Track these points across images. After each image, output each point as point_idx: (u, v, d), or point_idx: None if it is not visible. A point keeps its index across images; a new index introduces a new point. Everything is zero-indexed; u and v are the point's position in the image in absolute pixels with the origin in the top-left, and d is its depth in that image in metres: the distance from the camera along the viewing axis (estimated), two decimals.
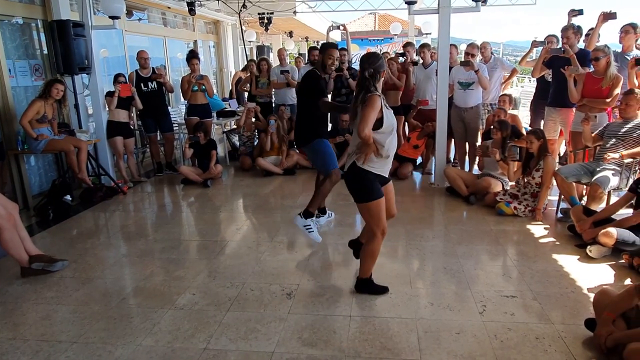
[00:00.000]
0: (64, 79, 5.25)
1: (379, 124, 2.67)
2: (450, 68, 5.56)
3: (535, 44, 5.63)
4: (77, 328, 2.74)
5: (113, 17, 5.45)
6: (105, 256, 3.85)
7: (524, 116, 8.11)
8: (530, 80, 12.22)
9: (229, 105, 8.35)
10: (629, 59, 4.60)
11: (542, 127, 5.21)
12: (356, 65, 7.77)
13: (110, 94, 5.74)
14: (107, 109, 5.78)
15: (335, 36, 14.54)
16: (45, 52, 5.55)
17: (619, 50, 4.85)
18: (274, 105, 7.33)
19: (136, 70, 6.21)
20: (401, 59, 6.76)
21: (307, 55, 7.30)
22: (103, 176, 5.61)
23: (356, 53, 15.16)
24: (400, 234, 4.10)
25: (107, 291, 3.21)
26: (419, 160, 6.36)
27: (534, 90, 6.08)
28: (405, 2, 5.19)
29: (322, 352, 2.45)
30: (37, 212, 4.87)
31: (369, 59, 2.71)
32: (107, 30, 6.05)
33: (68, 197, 5.04)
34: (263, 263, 3.59)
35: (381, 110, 2.66)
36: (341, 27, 8.84)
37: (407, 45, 7.06)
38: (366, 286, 3.03)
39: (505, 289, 3.07)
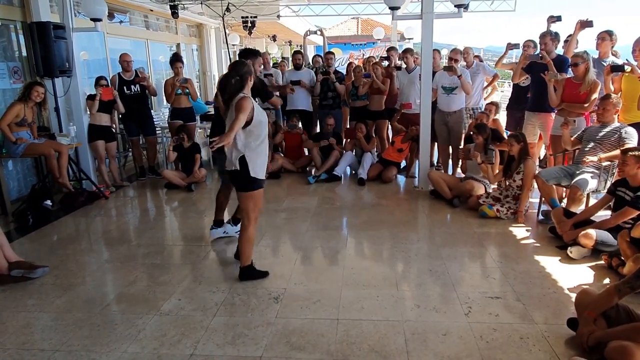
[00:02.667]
0: (43, 81, 5.14)
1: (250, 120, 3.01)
2: (434, 73, 5.64)
3: (510, 46, 5.76)
4: (60, 336, 2.68)
5: (95, 20, 5.38)
6: (88, 262, 3.78)
7: (502, 121, 8.26)
8: (509, 85, 12.46)
9: (213, 108, 8.29)
10: (605, 65, 4.74)
11: (519, 131, 5.34)
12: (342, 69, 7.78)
13: (91, 97, 5.65)
14: (89, 112, 5.69)
15: (315, 40, 14.61)
16: (25, 54, 5.44)
17: (596, 56, 4.99)
18: None
19: (119, 73, 6.12)
20: (385, 63, 6.84)
21: (290, 59, 7.32)
22: (84, 181, 5.51)
23: (339, 57, 15.22)
24: (385, 236, 4.13)
25: (90, 298, 3.15)
26: (403, 163, 6.42)
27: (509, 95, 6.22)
28: (389, 8, 5.24)
29: (310, 355, 2.45)
30: (15, 217, 4.74)
31: (236, 67, 3.06)
32: (88, 32, 5.96)
33: (48, 202, 4.94)
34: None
35: (252, 109, 3.00)
36: (318, 32, 8.92)
37: (390, 49, 7.16)
38: (249, 273, 3.30)
39: (490, 290, 3.12)
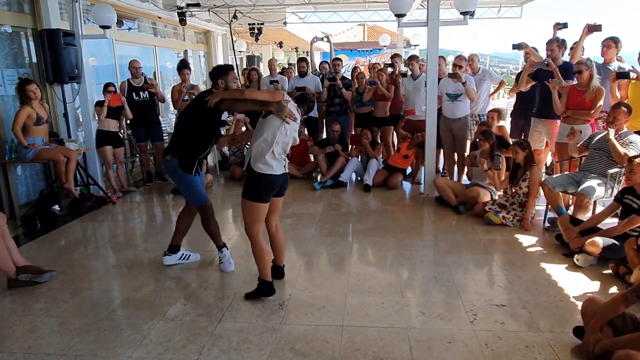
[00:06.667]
0: (53, 87, 5.20)
1: None
2: (439, 80, 5.65)
3: (514, 47, 5.69)
4: (66, 340, 2.70)
5: (104, 27, 5.45)
6: (94, 267, 3.81)
7: (508, 128, 8.24)
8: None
9: None
10: (611, 70, 4.73)
11: (523, 138, 5.32)
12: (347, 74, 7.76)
13: (100, 104, 5.71)
14: (97, 118, 5.75)
15: (322, 46, 14.73)
16: (35, 60, 5.51)
17: (601, 62, 4.98)
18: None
19: (128, 80, 6.20)
20: (389, 70, 6.86)
21: (296, 66, 7.35)
22: (92, 186, 5.56)
23: (345, 63, 15.29)
24: (390, 243, 4.13)
25: (97, 302, 3.17)
26: (409, 170, 6.42)
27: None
28: (395, 15, 5.26)
29: None
30: (24, 222, 4.79)
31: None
32: (97, 39, 6.03)
33: (56, 207, 4.98)
34: (254, 273, 3.55)
35: None
36: (325, 39, 8.98)
37: (394, 56, 7.18)
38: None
39: (495, 298, 3.10)
